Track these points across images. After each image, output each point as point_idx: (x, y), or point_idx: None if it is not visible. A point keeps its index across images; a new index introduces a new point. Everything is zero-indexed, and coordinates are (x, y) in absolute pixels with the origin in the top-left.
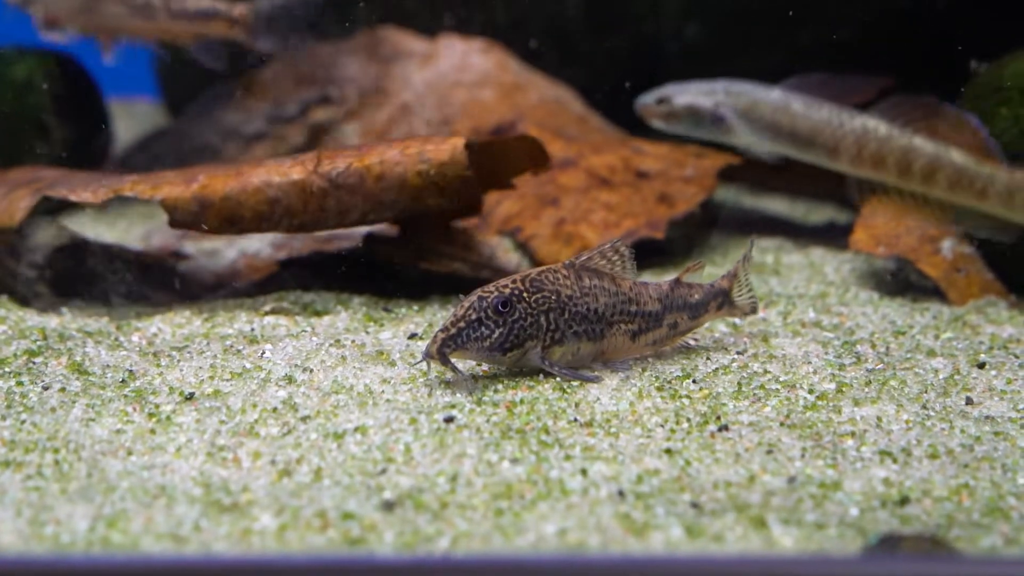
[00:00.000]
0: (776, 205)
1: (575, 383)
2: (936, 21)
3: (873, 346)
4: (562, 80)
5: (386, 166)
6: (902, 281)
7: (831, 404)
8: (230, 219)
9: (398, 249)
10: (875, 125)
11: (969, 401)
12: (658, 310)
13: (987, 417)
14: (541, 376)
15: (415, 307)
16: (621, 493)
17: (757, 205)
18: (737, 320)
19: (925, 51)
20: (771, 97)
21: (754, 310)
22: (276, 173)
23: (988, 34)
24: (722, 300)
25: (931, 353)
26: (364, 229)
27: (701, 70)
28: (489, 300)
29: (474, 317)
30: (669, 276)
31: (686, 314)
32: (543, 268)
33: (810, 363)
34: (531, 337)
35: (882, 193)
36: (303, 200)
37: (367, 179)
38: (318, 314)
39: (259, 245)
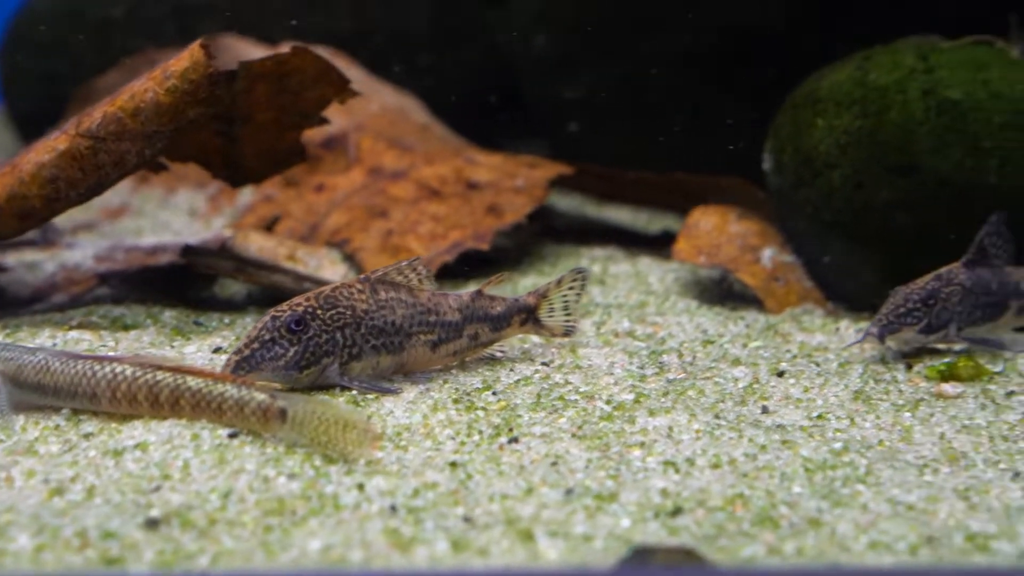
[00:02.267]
0: (620, 215)
1: (371, 396)
2: (778, 34)
3: (680, 356)
4: (412, 89)
5: (137, 98)
6: (725, 290)
7: (627, 415)
8: (24, 215)
9: (219, 260)
10: (123, 368)
11: (765, 410)
12: (458, 320)
13: (778, 426)
14: (338, 390)
15: (227, 320)
16: (393, 508)
17: (601, 215)
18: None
19: (766, 62)
20: (35, 359)
21: (568, 333)
22: (44, 152)
23: (826, 47)
24: (526, 316)
25: (736, 362)
26: (181, 241)
27: (550, 79)
28: (282, 319)
29: (267, 337)
30: (504, 287)
31: (487, 326)
32: (338, 284)
33: (613, 374)
34: (327, 354)
35: None
36: (78, 166)
37: (125, 119)
38: (126, 328)
39: (80, 258)
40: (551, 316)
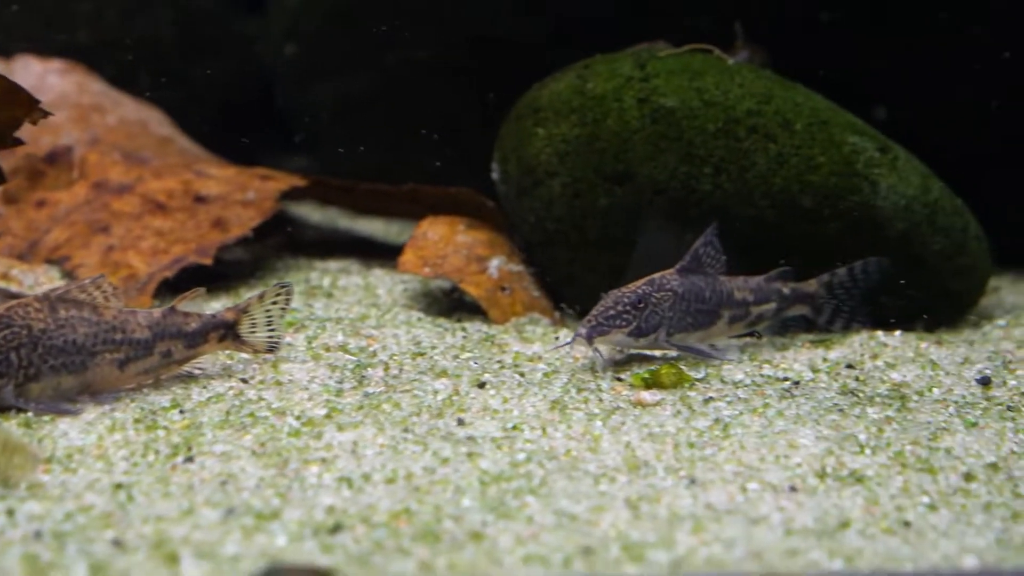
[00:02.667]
0: (373, 227)
1: (46, 417)
2: (520, 44)
3: (386, 368)
4: (167, 102)
5: None
6: (456, 301)
7: (315, 430)
8: None
9: None
10: None
11: (461, 422)
12: (148, 338)
13: (470, 438)
14: (13, 412)
15: None
16: (39, 533)
17: (353, 227)
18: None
19: (510, 72)
20: None
21: (272, 349)
22: None
23: (569, 57)
24: (224, 332)
25: (442, 374)
26: None
27: (305, 91)
28: None
29: None
30: (236, 300)
31: (181, 343)
32: (13, 303)
33: (309, 389)
34: (1, 376)
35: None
36: None
37: None
38: None
39: None
40: (253, 332)
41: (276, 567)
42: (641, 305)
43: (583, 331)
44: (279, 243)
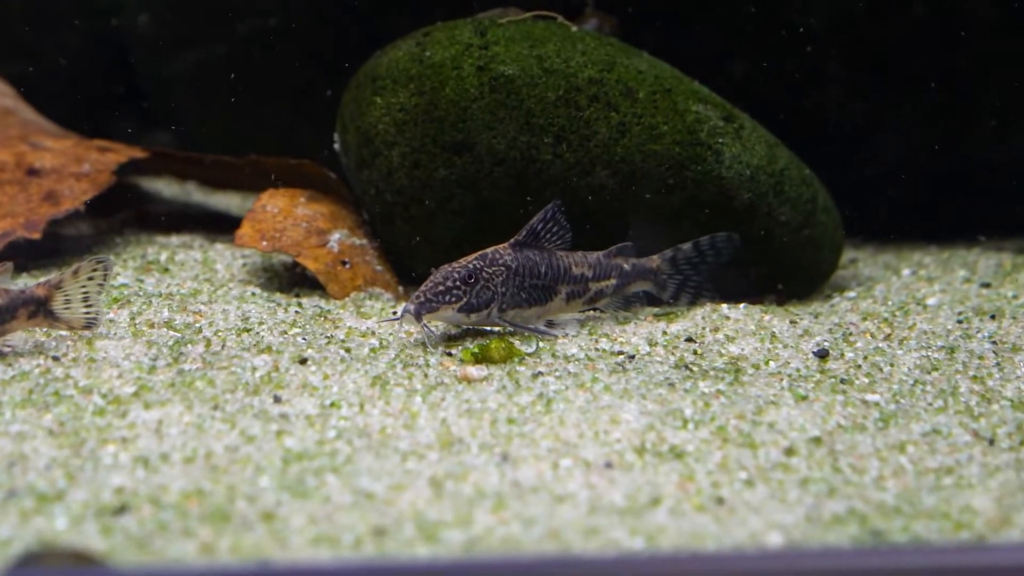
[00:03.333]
0: (229, 201)
1: None
2: (370, 11)
3: (208, 345)
4: (9, 76)
5: None
6: (298, 276)
7: (121, 409)
8: None
9: None
10: None
11: (277, 399)
12: None
13: (283, 415)
14: None
15: None
16: None
17: (207, 201)
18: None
19: (359, 40)
20: None
21: (89, 326)
22: None
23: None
24: (35, 308)
25: (267, 350)
26: None
27: (161, 64)
28: None
29: None
30: None
31: None
32: None
33: (120, 366)
34: None
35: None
36: None
37: None
38: None
39: None
40: (68, 308)
41: (34, 552)
42: (472, 280)
43: (411, 307)
44: (125, 219)
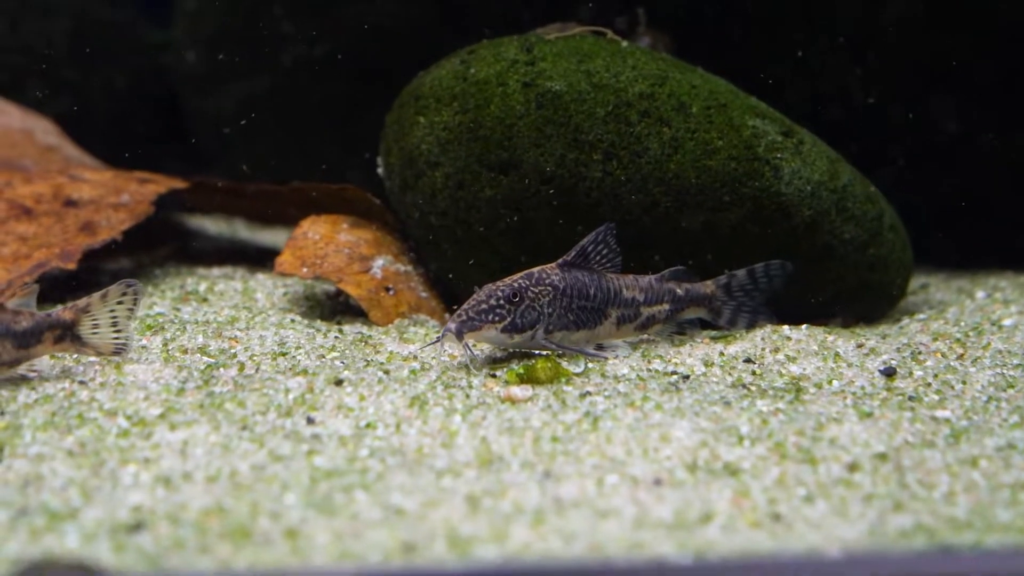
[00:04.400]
0: (274, 237)
1: None
2: (419, 36)
3: (241, 368)
4: (49, 111)
5: None
6: (341, 305)
7: (145, 431)
8: None
9: None
10: None
11: (310, 421)
12: None
13: (315, 436)
14: None
15: None
16: None
17: (253, 237)
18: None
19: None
20: None
21: (119, 352)
22: None
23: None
24: (62, 332)
25: (302, 373)
26: None
27: (201, 97)
28: None
29: None
30: None
31: (10, 343)
32: None
33: (147, 389)
34: None
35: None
36: None
37: None
38: None
39: None
40: (96, 333)
41: (36, 562)
42: (517, 299)
43: (452, 326)
44: (167, 253)
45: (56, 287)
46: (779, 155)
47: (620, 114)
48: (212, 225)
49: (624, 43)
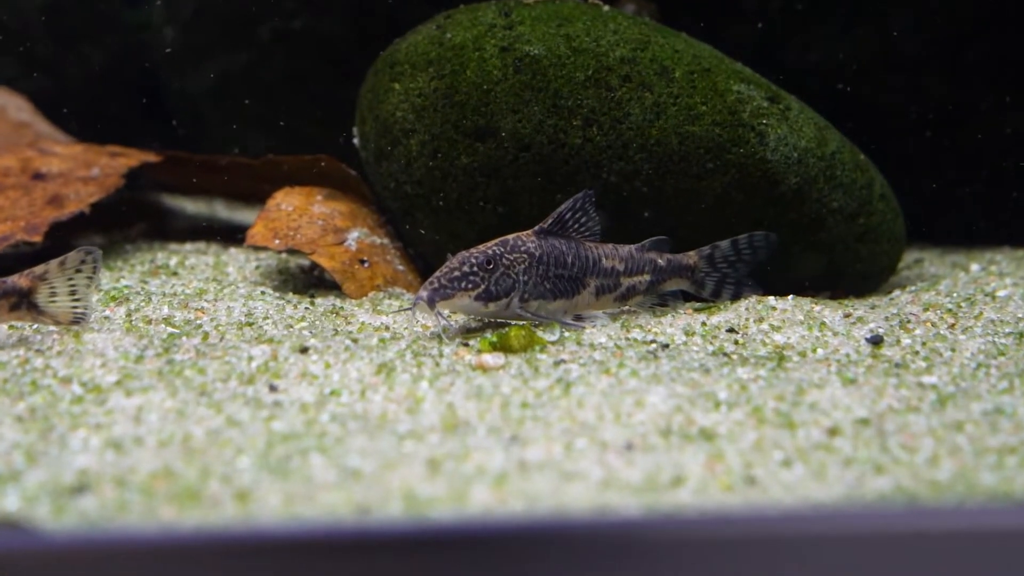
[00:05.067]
0: (252, 215)
1: None
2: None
3: (205, 338)
4: (24, 89)
5: None
6: (316, 279)
7: (100, 397)
8: None
9: None
10: None
11: (273, 388)
12: None
13: (276, 403)
14: None
15: None
16: None
17: (232, 216)
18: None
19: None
20: None
21: (77, 321)
22: None
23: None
24: (17, 300)
25: (267, 342)
26: None
27: (179, 74)
28: None
29: None
30: None
31: None
32: None
33: (105, 356)
34: None
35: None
36: None
37: None
38: None
39: None
40: (53, 301)
41: None
42: (491, 266)
43: (424, 294)
44: (142, 231)
45: (25, 264)
46: (764, 121)
47: (600, 79)
48: (191, 205)
49: (605, 8)
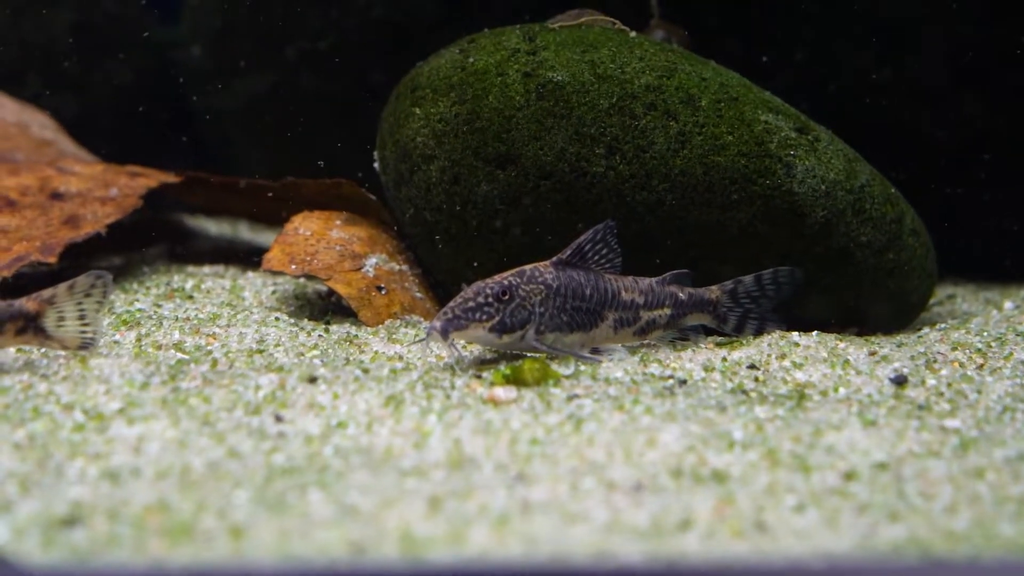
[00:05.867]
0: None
1: None
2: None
3: (214, 365)
4: (48, 106)
5: None
6: (333, 305)
7: (102, 425)
8: None
9: None
10: None
11: (279, 418)
12: None
13: (280, 434)
14: None
15: None
16: None
17: (254, 239)
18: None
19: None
20: None
21: (85, 346)
22: None
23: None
24: (24, 324)
25: (277, 370)
26: None
27: (206, 93)
28: None
29: None
30: None
31: None
32: None
33: (111, 382)
34: None
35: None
36: None
37: None
38: None
39: None
40: (61, 325)
41: None
42: (506, 297)
43: (437, 324)
44: (162, 252)
45: (43, 284)
46: (792, 152)
47: (625, 106)
48: (214, 226)
49: (632, 34)
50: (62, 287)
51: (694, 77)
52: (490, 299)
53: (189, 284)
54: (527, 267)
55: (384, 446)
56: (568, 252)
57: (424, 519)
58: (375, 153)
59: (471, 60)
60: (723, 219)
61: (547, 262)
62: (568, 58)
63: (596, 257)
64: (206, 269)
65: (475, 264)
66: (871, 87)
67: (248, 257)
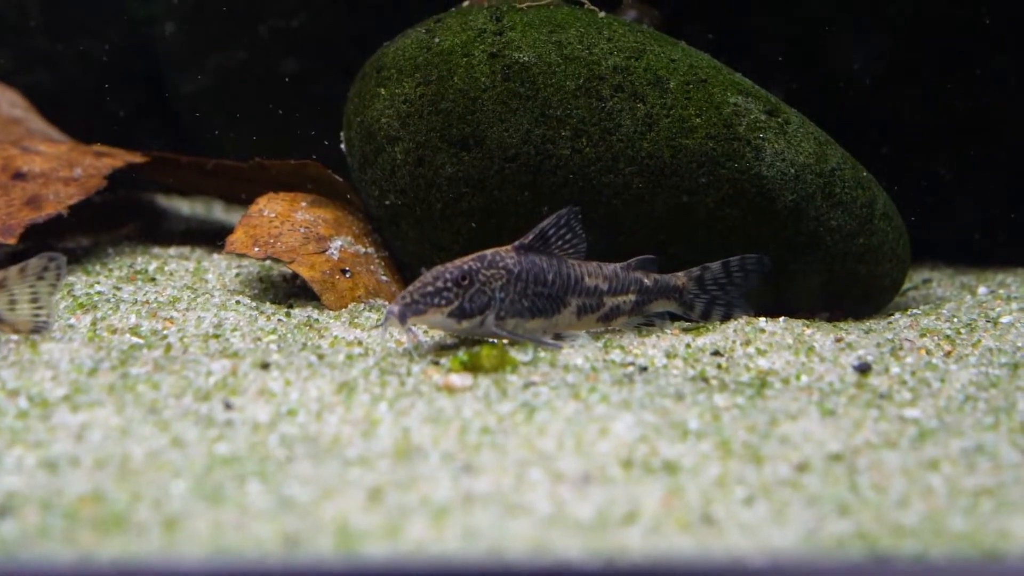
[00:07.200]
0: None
1: None
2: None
3: (167, 350)
4: (19, 84)
5: None
6: (298, 288)
7: (46, 412)
8: None
9: None
10: None
11: (228, 406)
12: None
13: (228, 422)
14: None
15: None
16: None
17: (227, 219)
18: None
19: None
20: None
21: (38, 329)
22: None
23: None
24: None
25: (231, 356)
26: None
27: (181, 71)
28: None
29: None
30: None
31: None
32: None
33: (57, 368)
34: None
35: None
36: None
37: None
38: None
39: None
40: (12, 309)
41: None
42: (466, 282)
43: (395, 309)
44: (130, 232)
45: (2, 267)
46: (761, 135)
47: (592, 88)
48: (187, 207)
49: (602, 14)
50: (13, 270)
51: (663, 58)
52: (449, 284)
53: (153, 266)
54: (488, 252)
55: (332, 435)
56: (531, 237)
57: (362, 511)
58: (341, 134)
59: (436, 40)
60: (691, 203)
61: (509, 247)
62: (535, 39)
63: (559, 242)
64: (172, 251)
65: (440, 247)
66: (847, 69)
67: (217, 238)
